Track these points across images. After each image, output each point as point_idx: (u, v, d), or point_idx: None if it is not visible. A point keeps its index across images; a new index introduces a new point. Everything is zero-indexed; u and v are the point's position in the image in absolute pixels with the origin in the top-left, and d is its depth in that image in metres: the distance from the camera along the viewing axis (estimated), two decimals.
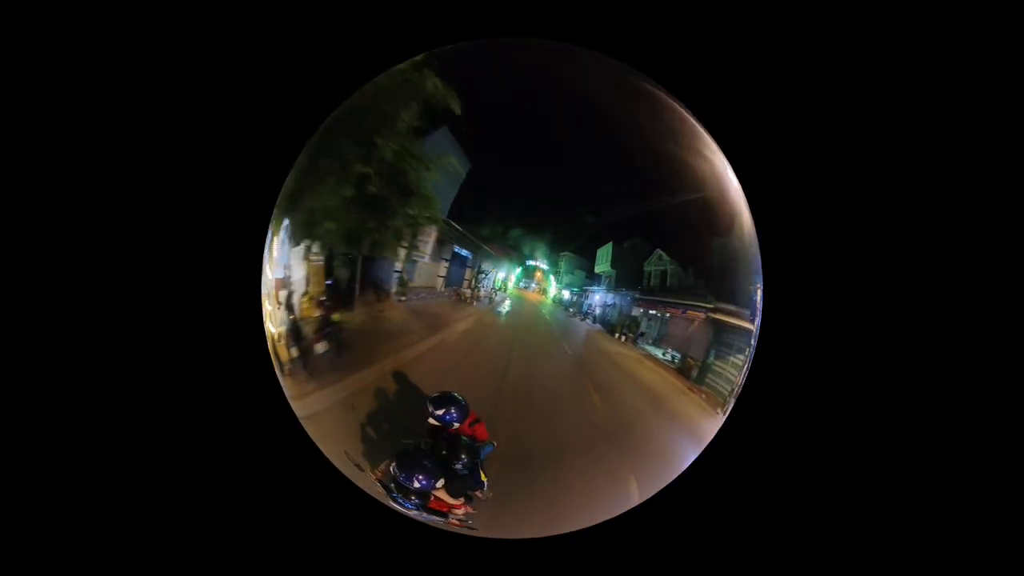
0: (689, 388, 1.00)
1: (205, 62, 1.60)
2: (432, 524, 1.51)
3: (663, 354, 1.05)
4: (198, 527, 1.57)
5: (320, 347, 1.20)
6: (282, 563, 1.60)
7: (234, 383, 1.62)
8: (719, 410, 0.98)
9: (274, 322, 1.25)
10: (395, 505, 1.50)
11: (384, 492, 1.48)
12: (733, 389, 1.03)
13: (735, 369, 0.99)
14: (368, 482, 1.47)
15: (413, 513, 1.50)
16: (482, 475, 1.48)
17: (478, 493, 1.48)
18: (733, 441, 1.48)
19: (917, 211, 1.61)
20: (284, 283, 1.04)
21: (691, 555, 1.64)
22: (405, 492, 1.47)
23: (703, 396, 0.98)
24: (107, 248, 1.56)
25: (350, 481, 1.49)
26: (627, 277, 1.14)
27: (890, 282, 1.62)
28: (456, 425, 1.44)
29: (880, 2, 1.56)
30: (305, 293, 1.05)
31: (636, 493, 1.10)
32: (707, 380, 1.00)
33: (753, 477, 1.64)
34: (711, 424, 0.98)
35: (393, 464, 1.43)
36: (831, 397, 1.61)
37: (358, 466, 1.45)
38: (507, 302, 1.15)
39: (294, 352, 1.23)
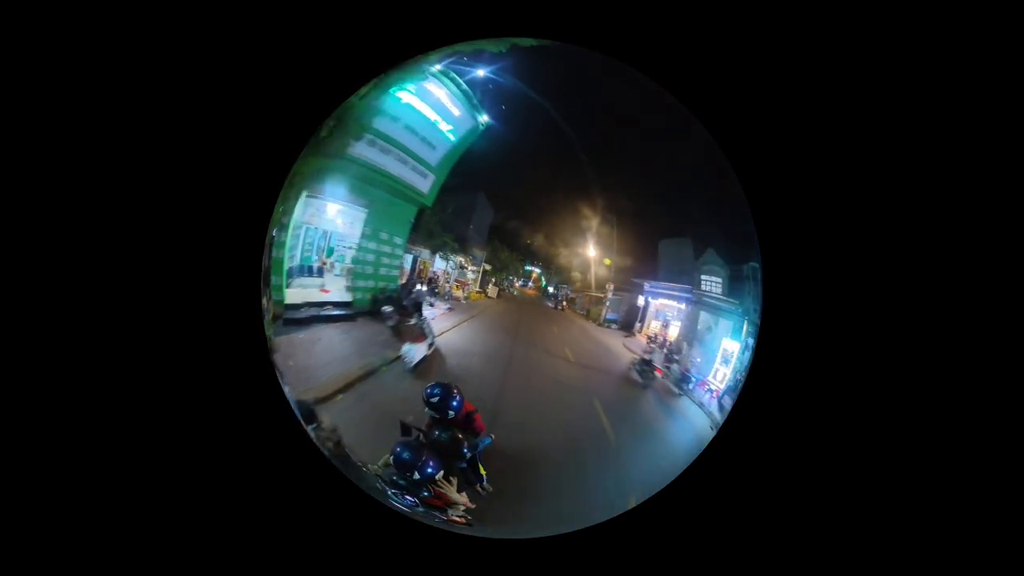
0: (583, 317, 2.41)
1: (205, 61, 1.54)
2: (431, 523, 1.51)
3: (579, 309, 2.50)
4: (191, 526, 1.55)
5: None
6: (278, 564, 1.57)
7: (227, 380, 1.57)
8: (595, 323, 2.33)
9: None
10: (394, 503, 1.50)
11: (383, 489, 1.48)
12: (599, 318, 2.35)
13: (600, 311, 2.34)
14: (368, 480, 1.50)
15: (412, 511, 1.50)
16: (481, 468, 1.53)
17: (477, 487, 1.53)
18: (733, 442, 1.62)
19: (918, 212, 1.58)
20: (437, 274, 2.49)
21: (690, 555, 1.63)
22: (404, 486, 1.47)
23: (586, 317, 2.37)
24: (106, 247, 1.53)
25: (349, 484, 1.51)
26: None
27: (891, 283, 1.60)
28: (452, 414, 1.50)
29: (880, 2, 1.53)
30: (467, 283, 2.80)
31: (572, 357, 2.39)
32: (589, 314, 2.39)
33: (753, 478, 1.65)
34: (587, 324, 2.35)
35: (392, 456, 1.45)
36: (831, 398, 1.62)
37: (360, 464, 1.49)
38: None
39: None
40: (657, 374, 2.02)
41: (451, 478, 1.49)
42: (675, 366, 2.03)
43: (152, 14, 1.50)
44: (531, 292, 2.52)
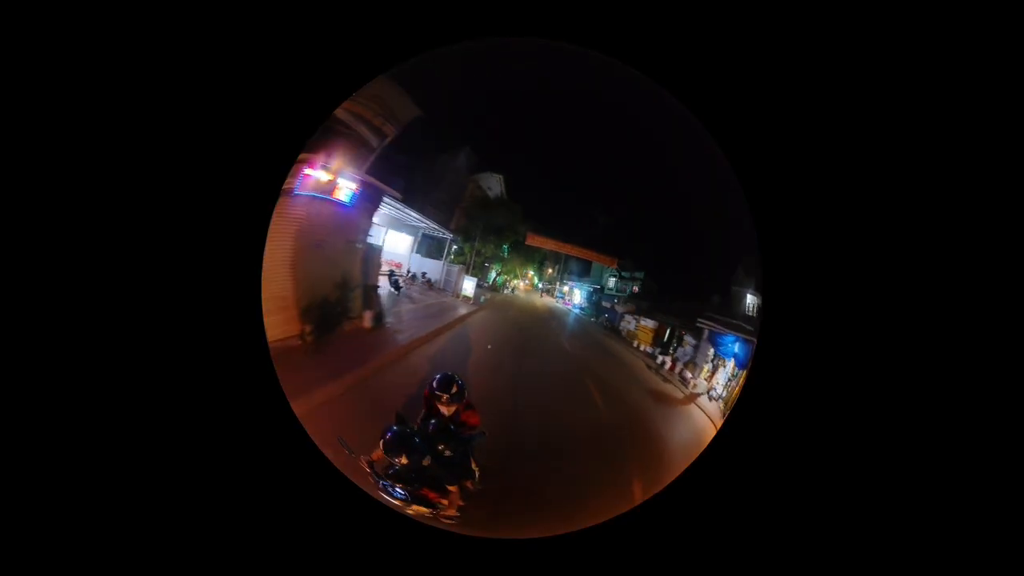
0: (549, 295, 6.16)
1: (205, 61, 1.51)
2: (421, 518, 1.51)
3: (549, 293, 6.18)
4: (184, 522, 1.53)
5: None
6: (269, 559, 1.56)
7: (221, 377, 1.57)
8: (553, 297, 6.00)
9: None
10: (384, 496, 1.52)
11: (373, 480, 1.49)
12: (559, 298, 6.01)
13: (554, 292, 6.02)
14: (359, 472, 1.51)
15: (402, 503, 1.50)
16: (473, 464, 1.59)
17: (468, 484, 1.59)
18: (733, 443, 1.70)
19: (919, 213, 1.55)
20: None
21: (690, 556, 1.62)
22: (394, 475, 1.47)
23: (552, 295, 6.09)
24: (106, 244, 1.50)
25: (343, 485, 1.56)
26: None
27: (892, 284, 1.58)
28: (449, 406, 1.54)
29: (880, 2, 1.50)
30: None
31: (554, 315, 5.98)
32: (552, 295, 6.10)
33: (753, 480, 1.65)
34: (551, 297, 6.01)
35: (382, 440, 1.47)
36: (832, 399, 1.62)
37: (350, 451, 1.52)
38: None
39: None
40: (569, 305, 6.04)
41: (439, 471, 1.45)
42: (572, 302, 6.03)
43: (152, 14, 1.48)
44: (528, 287, 6.14)
